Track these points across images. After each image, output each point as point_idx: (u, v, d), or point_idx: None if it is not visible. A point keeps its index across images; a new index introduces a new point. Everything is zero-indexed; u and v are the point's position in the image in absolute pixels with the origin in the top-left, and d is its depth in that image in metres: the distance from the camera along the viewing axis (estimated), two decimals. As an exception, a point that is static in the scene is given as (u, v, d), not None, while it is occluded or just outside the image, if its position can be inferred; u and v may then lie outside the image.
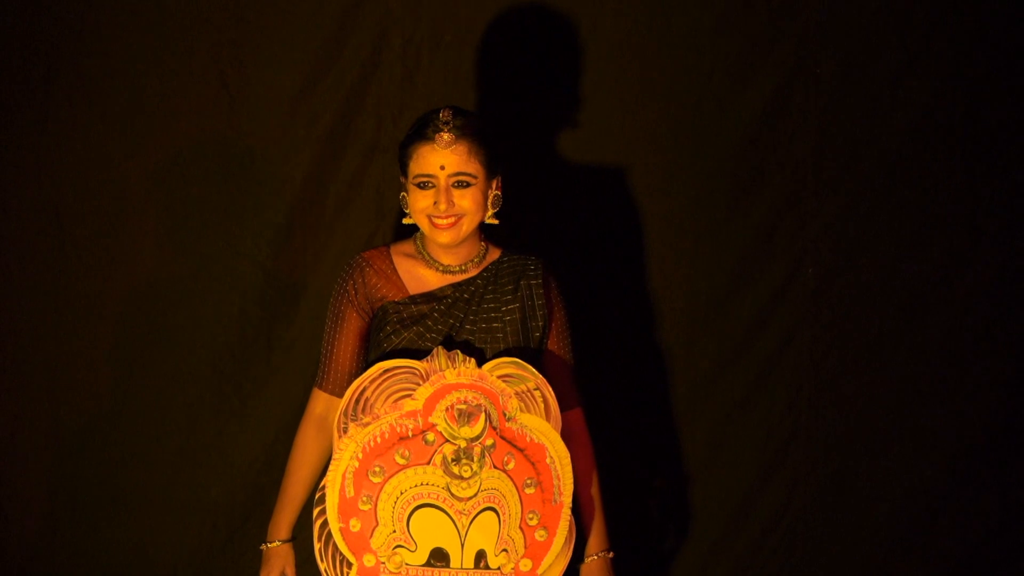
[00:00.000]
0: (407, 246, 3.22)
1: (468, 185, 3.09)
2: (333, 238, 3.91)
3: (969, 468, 4.29)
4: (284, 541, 3.19)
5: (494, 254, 3.23)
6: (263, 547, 3.20)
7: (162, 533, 3.91)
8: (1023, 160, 4.26)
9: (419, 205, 3.10)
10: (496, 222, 3.18)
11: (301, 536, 3.18)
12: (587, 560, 3.21)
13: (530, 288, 3.18)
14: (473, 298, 3.15)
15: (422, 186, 3.09)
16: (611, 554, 3.23)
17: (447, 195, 3.08)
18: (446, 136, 3.07)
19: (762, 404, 4.17)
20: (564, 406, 3.11)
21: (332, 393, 3.17)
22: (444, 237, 3.11)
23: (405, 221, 3.17)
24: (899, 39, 4.17)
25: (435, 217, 3.09)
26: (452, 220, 3.09)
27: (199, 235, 3.88)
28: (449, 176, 3.08)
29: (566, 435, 3.08)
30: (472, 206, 3.10)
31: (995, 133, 4.23)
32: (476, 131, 3.11)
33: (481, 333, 3.13)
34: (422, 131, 3.10)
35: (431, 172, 3.08)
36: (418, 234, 3.21)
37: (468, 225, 3.12)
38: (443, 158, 3.08)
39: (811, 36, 4.13)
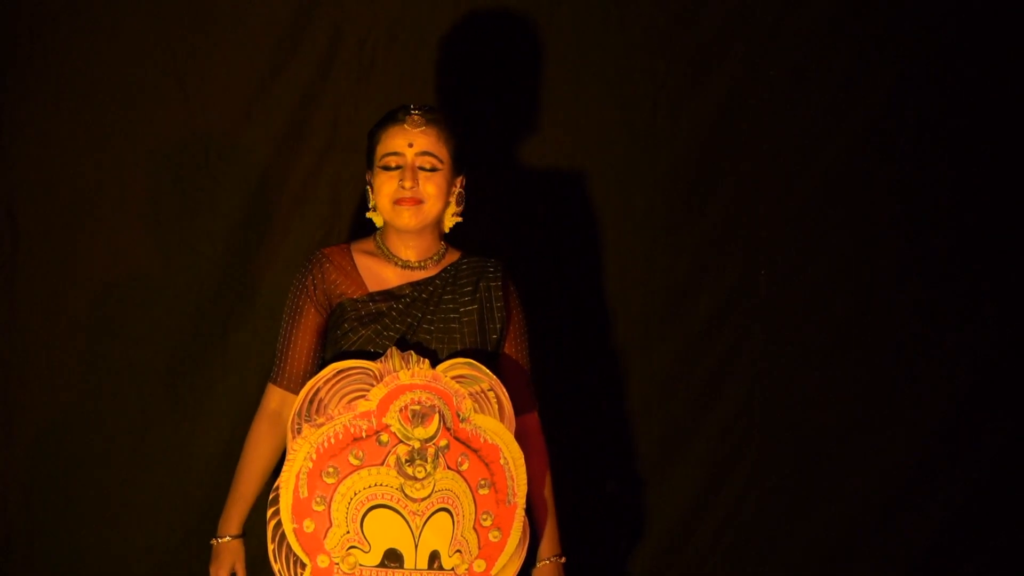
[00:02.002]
0: (367, 244, 3.22)
1: (435, 169, 3.11)
2: (288, 236, 3.91)
3: (921, 469, 4.32)
4: (235, 537, 3.18)
5: (453, 256, 3.23)
6: (213, 542, 3.18)
7: (118, 532, 3.90)
8: (975, 162, 4.29)
9: (384, 188, 3.11)
10: (460, 219, 3.19)
11: (253, 535, 3.18)
12: (539, 564, 3.22)
13: (489, 290, 3.18)
14: (431, 298, 3.15)
15: (388, 167, 3.11)
16: (563, 559, 3.24)
17: (413, 174, 3.09)
18: (417, 118, 3.11)
19: (716, 405, 4.19)
20: (520, 410, 3.12)
21: (287, 389, 3.16)
22: (406, 218, 3.10)
23: (368, 215, 3.18)
24: (851, 42, 4.19)
25: (400, 198, 3.10)
26: (416, 202, 3.10)
27: (154, 233, 3.87)
28: (417, 155, 3.10)
29: (521, 439, 3.08)
30: (436, 192, 3.11)
31: (947, 136, 4.26)
32: (446, 122, 3.15)
33: (439, 333, 3.13)
34: (393, 115, 3.14)
35: (399, 150, 3.10)
36: (378, 231, 3.22)
37: (431, 210, 3.12)
38: (412, 137, 3.10)
39: (763, 39, 4.15)
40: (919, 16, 4.21)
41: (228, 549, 3.18)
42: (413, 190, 3.09)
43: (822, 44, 4.18)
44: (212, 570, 3.18)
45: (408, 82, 3.92)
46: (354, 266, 3.17)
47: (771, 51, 4.15)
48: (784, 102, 4.16)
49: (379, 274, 3.17)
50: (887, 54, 4.20)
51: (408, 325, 3.12)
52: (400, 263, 3.18)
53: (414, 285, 3.16)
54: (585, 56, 4.06)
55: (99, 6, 3.79)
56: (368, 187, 3.18)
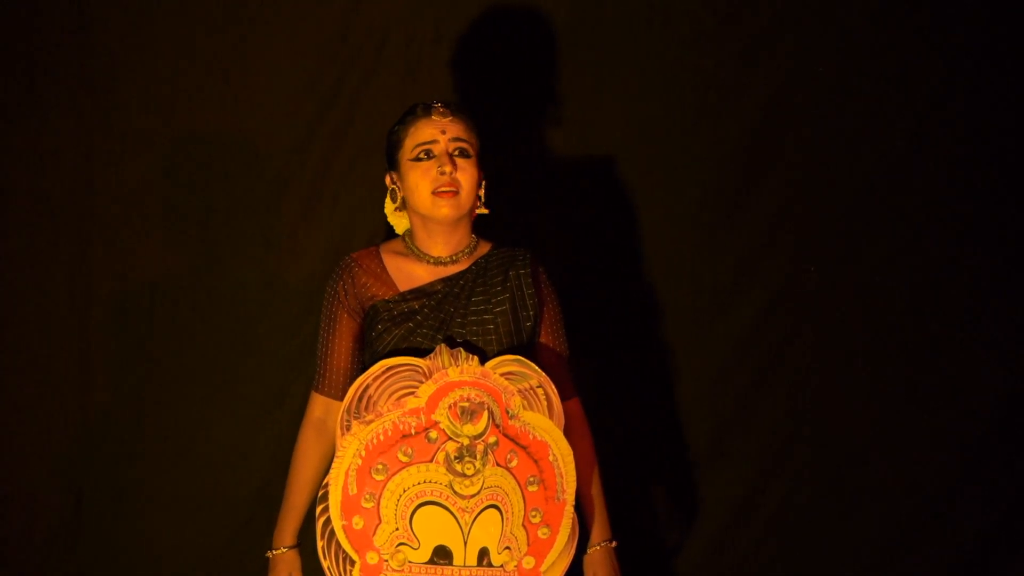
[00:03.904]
0: (396, 244, 3.23)
1: (468, 156, 3.14)
2: (336, 236, 3.91)
3: (972, 464, 4.28)
4: (290, 548, 3.19)
5: (484, 248, 3.24)
6: (269, 554, 3.19)
7: (166, 531, 3.92)
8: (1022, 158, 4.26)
9: (422, 181, 3.12)
10: (487, 211, 3.20)
11: (306, 540, 3.18)
12: (591, 550, 3.21)
13: (519, 278, 3.18)
14: (463, 292, 3.15)
15: (422, 157, 3.12)
16: (614, 543, 3.23)
17: (451, 159, 3.11)
18: (443, 109, 3.14)
19: (765, 401, 4.17)
20: (561, 396, 3.11)
21: (329, 396, 3.17)
22: (445, 208, 3.11)
23: (392, 218, 3.20)
24: (899, 38, 4.17)
25: (438, 188, 3.10)
26: (454, 189, 3.10)
27: (201, 233, 3.88)
28: (450, 140, 3.12)
29: (565, 426, 3.08)
30: (470, 179, 3.13)
31: (997, 133, 4.22)
32: (469, 114, 3.18)
33: (472, 326, 3.13)
34: (414, 111, 3.16)
35: (433, 138, 3.12)
36: (406, 231, 3.24)
37: (467, 200, 3.14)
38: (443, 125, 3.13)
39: (810, 36, 4.13)
40: (967, 12, 4.18)
41: (284, 560, 3.18)
42: (452, 176, 3.10)
43: (869, 40, 4.15)
44: None
45: (455, 79, 3.93)
46: (383, 268, 3.18)
47: (818, 47, 4.13)
48: (832, 98, 4.14)
49: (410, 273, 3.18)
50: (935, 49, 4.17)
51: (441, 321, 3.12)
52: (431, 260, 3.19)
53: (445, 281, 3.16)
54: (634, 50, 4.05)
55: (147, 7, 3.81)
56: (394, 188, 3.18)
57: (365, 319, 3.16)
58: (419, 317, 3.12)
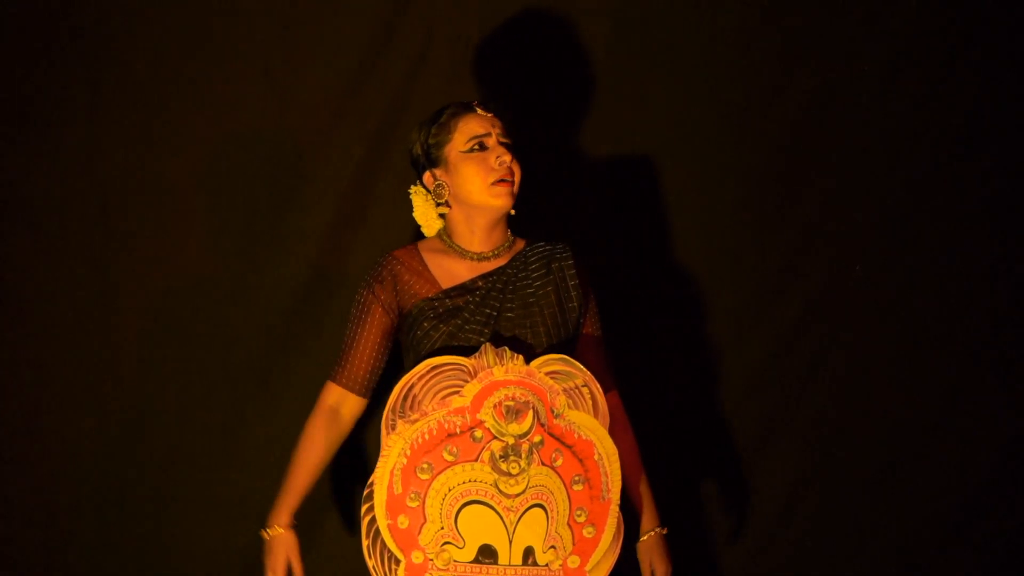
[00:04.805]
0: (433, 242, 3.25)
1: (513, 150, 3.16)
2: (381, 235, 3.91)
3: (1018, 463, 4.26)
4: (286, 528, 3.16)
5: (520, 244, 3.26)
6: (264, 534, 3.17)
7: (204, 532, 3.92)
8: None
9: (479, 172, 3.13)
10: (513, 212, 3.21)
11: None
12: (644, 536, 3.23)
13: (562, 270, 3.19)
14: (506, 287, 3.16)
15: (476, 149, 3.14)
16: (664, 530, 3.24)
17: (508, 150, 3.14)
18: (484, 108, 3.18)
19: (810, 400, 4.16)
20: (603, 390, 3.11)
21: (346, 387, 3.19)
22: (503, 198, 3.13)
23: (428, 219, 3.20)
24: (942, 37, 4.15)
25: (497, 178, 3.12)
26: (511, 179, 3.14)
27: (246, 232, 3.89)
28: (499, 135, 3.16)
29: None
30: (520, 173, 3.16)
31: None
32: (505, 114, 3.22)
33: (519, 319, 3.14)
34: (451, 108, 3.19)
35: (487, 131, 3.15)
36: (442, 229, 3.24)
37: (517, 191, 3.16)
38: (492, 122, 3.17)
39: (857, 33, 4.11)
40: (1014, 13, 4.16)
41: (280, 541, 3.16)
42: (509, 165, 3.13)
43: (914, 39, 4.14)
44: (268, 563, 3.16)
45: (500, 78, 3.93)
46: (425, 266, 3.20)
47: (863, 45, 4.12)
48: (875, 98, 4.12)
49: (450, 270, 3.19)
50: (980, 49, 4.15)
51: (487, 316, 3.13)
52: (473, 256, 3.20)
53: (485, 277, 3.17)
54: (678, 50, 4.04)
55: (192, 6, 3.82)
56: (439, 184, 3.18)
57: (404, 318, 3.17)
58: (466, 314, 3.13)
